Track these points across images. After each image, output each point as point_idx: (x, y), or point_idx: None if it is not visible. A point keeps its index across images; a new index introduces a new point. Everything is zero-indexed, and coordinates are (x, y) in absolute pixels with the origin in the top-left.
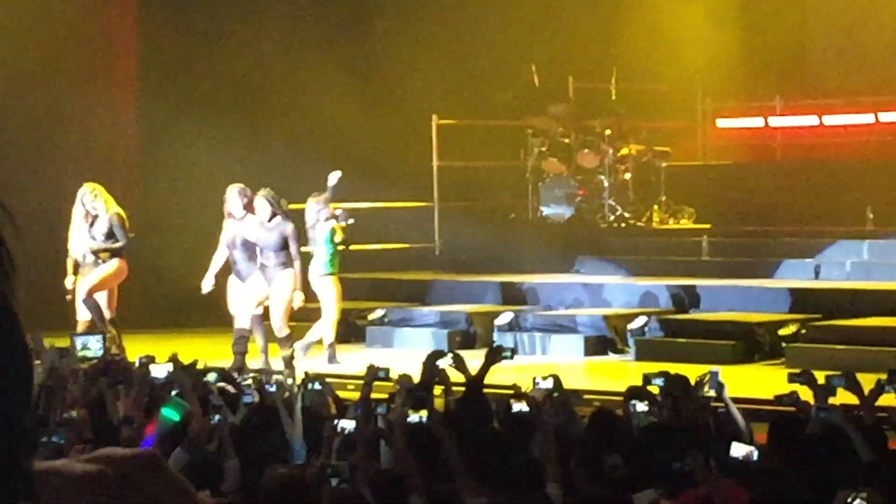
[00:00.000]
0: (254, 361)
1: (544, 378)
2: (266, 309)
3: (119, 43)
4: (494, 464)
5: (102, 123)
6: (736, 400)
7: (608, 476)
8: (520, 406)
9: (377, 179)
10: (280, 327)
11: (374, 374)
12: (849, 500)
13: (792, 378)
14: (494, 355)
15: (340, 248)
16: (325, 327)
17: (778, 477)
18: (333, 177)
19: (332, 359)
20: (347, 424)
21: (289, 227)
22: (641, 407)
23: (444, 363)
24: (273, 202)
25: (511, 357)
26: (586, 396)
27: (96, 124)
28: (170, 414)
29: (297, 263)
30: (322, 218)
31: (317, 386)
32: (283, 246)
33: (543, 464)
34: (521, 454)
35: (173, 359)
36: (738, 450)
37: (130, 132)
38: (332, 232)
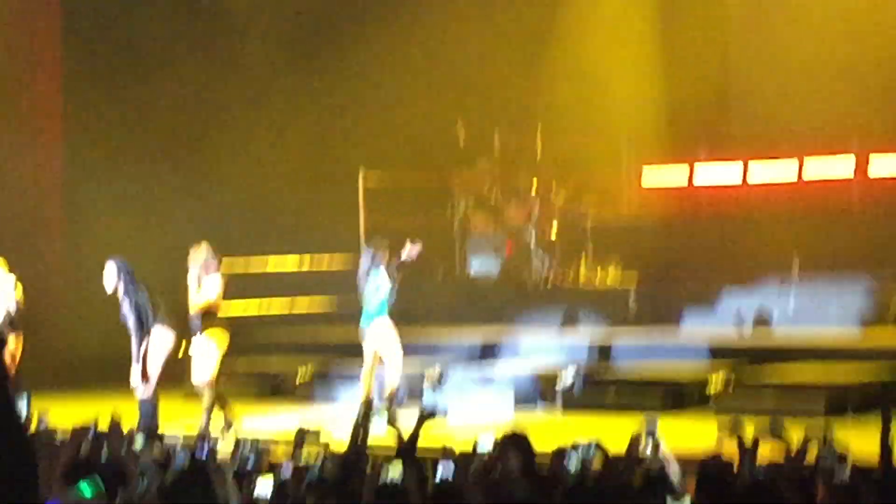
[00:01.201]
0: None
1: (493, 435)
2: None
3: (42, 80)
4: None
5: (23, 166)
6: None
7: None
8: (448, 468)
9: (303, 232)
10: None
11: (304, 434)
12: None
13: (720, 431)
14: (426, 415)
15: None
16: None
17: None
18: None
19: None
20: (264, 489)
21: None
22: (574, 462)
23: (378, 424)
24: None
25: (443, 416)
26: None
27: (16, 166)
28: (85, 490)
29: None
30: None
31: (249, 449)
32: None
33: None
34: None
35: (112, 421)
36: None
37: (54, 178)
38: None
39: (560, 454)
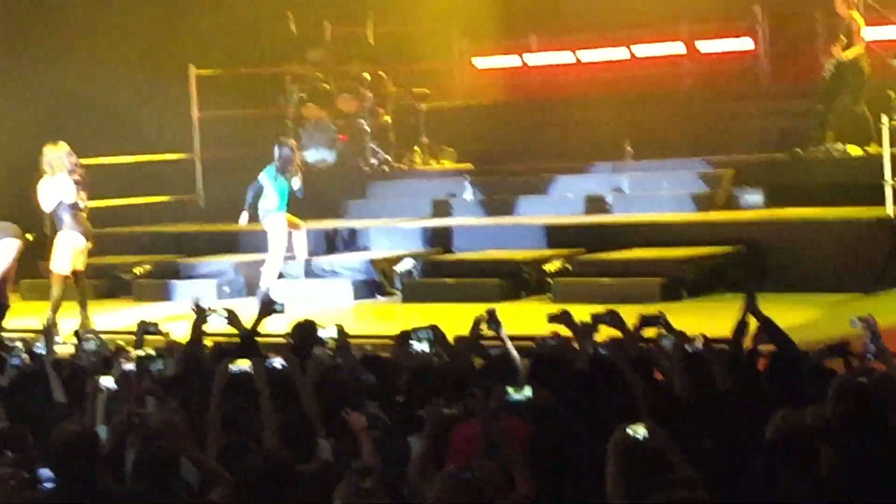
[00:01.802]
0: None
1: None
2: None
3: None
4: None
5: None
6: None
7: (373, 426)
8: (280, 361)
9: (136, 132)
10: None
11: (145, 329)
12: (630, 431)
13: (551, 319)
14: (266, 308)
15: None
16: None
17: (555, 412)
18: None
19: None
20: (108, 382)
21: None
22: (418, 348)
23: (217, 319)
24: None
25: (282, 310)
26: (357, 341)
27: None
28: None
29: None
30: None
31: (90, 344)
32: None
33: (311, 418)
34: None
35: None
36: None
37: None
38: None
39: (402, 340)
